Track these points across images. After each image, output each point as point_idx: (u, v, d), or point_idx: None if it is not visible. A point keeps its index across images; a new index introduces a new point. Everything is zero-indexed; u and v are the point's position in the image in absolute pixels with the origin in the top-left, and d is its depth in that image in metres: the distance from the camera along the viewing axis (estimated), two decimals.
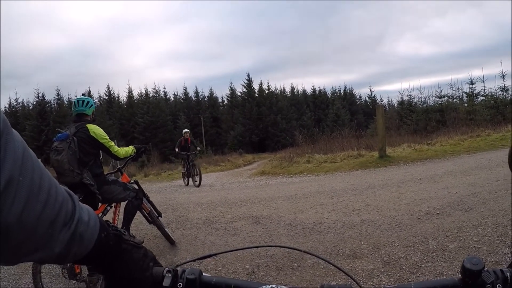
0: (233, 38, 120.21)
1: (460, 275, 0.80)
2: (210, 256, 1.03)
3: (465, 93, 25.26)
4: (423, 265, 3.72)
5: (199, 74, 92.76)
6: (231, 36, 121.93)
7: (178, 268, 0.91)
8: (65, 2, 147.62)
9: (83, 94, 31.42)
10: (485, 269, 0.78)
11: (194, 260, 1.03)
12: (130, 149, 4.87)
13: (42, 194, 0.65)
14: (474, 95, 24.19)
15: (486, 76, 23.73)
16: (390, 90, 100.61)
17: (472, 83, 24.16)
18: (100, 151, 4.63)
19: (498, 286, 0.76)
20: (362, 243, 4.54)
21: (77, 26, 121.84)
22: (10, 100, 44.88)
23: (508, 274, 0.77)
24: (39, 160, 0.69)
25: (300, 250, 1.12)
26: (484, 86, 23.81)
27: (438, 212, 5.33)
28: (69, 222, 0.72)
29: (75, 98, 4.67)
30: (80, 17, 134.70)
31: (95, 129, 4.40)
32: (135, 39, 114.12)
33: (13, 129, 0.62)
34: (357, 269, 3.85)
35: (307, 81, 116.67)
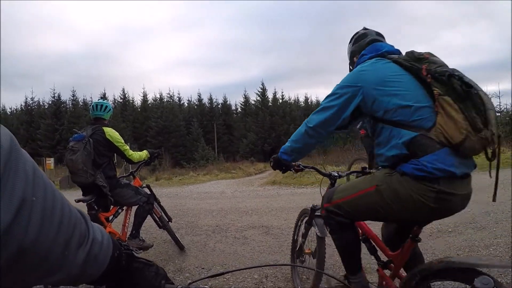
0: (244, 47, 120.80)
1: None
2: (222, 274, 1.03)
3: None
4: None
5: (213, 81, 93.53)
6: (242, 44, 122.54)
7: (191, 286, 0.90)
8: (75, 8, 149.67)
9: (101, 98, 31.63)
10: None
11: (206, 278, 1.01)
12: (144, 153, 4.91)
13: (56, 214, 0.63)
14: None
15: (502, 91, 23.43)
16: None
17: None
18: (114, 154, 4.68)
19: None
20: (372, 258, 4.50)
21: (87, 30, 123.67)
22: (26, 98, 45.43)
23: None
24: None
25: (312, 269, 1.12)
26: (499, 102, 23.64)
27: (450, 229, 5.28)
28: (83, 243, 0.70)
29: (94, 101, 4.73)
30: (90, 22, 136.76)
31: (111, 132, 4.46)
32: (145, 45, 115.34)
33: (22, 148, 0.60)
34: None
35: (317, 91, 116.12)
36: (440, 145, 1.94)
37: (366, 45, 2.46)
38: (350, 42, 2.65)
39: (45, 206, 0.60)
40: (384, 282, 2.45)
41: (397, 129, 2.07)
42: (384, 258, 2.54)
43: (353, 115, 2.29)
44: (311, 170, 3.23)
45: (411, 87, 2.08)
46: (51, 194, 0.62)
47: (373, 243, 2.65)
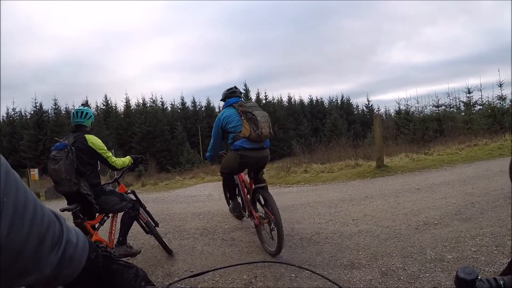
0: (225, 49, 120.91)
1: (454, 285, 0.82)
2: (203, 273, 1.02)
3: (462, 102, 25.23)
4: (421, 276, 3.71)
5: (195, 84, 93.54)
6: (222, 46, 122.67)
7: (171, 287, 0.90)
8: (53, 16, 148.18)
9: (82, 104, 31.31)
10: (479, 277, 0.80)
11: (186, 278, 1.01)
12: (127, 159, 4.89)
13: (28, 215, 0.63)
14: (471, 104, 24.16)
15: (484, 84, 23.68)
16: (386, 99, 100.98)
17: (469, 92, 24.13)
18: (98, 161, 4.63)
19: None
20: (360, 253, 4.53)
21: (66, 38, 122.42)
22: (8, 109, 45.01)
23: (501, 282, 0.81)
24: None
25: (294, 265, 1.11)
26: (481, 95, 23.80)
27: (436, 222, 5.32)
28: (57, 244, 0.70)
29: (74, 109, 4.68)
30: (68, 30, 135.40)
31: (93, 140, 4.42)
32: (126, 50, 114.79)
33: None
34: (355, 280, 3.84)
35: (300, 91, 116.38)
36: (242, 137, 4.82)
37: (225, 100, 5.31)
38: (226, 90, 5.39)
39: (16, 207, 0.61)
40: (245, 200, 5.46)
41: (231, 134, 4.98)
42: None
43: (224, 133, 5.16)
44: (223, 153, 6.10)
45: (236, 118, 4.93)
46: (23, 196, 0.63)
47: (244, 182, 5.62)
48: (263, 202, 5.02)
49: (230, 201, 5.51)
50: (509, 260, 0.92)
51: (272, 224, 4.69)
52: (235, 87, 5.41)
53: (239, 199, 5.58)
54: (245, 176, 5.63)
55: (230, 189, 5.48)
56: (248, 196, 5.31)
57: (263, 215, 4.91)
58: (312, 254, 4.73)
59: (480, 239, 4.44)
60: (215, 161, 6.03)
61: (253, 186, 5.13)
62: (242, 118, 4.84)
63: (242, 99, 5.36)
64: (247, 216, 5.49)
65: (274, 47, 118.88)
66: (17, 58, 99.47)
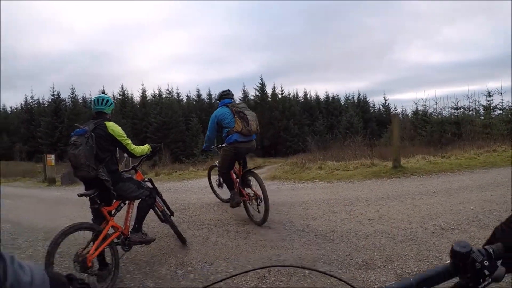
0: (240, 43, 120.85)
1: (450, 259, 0.96)
2: (222, 280, 1.12)
3: (482, 105, 24.72)
4: None
5: (211, 77, 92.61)
6: (238, 41, 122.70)
7: None
8: (67, 8, 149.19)
9: (102, 92, 31.45)
10: (472, 249, 0.94)
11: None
12: (146, 147, 4.91)
13: None
14: (491, 108, 23.67)
15: (505, 88, 22.92)
16: (403, 99, 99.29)
17: (489, 96, 23.63)
18: (117, 149, 4.65)
19: (485, 262, 0.92)
20: (375, 254, 4.49)
21: (81, 30, 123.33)
22: (26, 97, 45.66)
23: (490, 250, 0.96)
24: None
25: (308, 268, 1.12)
26: (502, 99, 23.19)
27: (453, 227, 5.26)
28: None
29: (95, 96, 4.70)
30: (82, 22, 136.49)
31: (113, 127, 4.44)
32: (142, 43, 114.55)
33: None
34: (369, 280, 3.81)
35: (316, 87, 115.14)
36: (235, 132, 6.05)
37: (220, 100, 6.65)
38: (221, 92, 6.69)
39: None
40: (236, 184, 6.43)
41: (225, 129, 6.19)
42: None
43: (219, 127, 6.34)
44: (215, 148, 7.06)
45: (230, 116, 6.17)
46: None
47: (236, 173, 6.62)
48: (251, 182, 6.36)
49: (230, 191, 6.48)
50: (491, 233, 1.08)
51: (259, 200, 6.09)
52: (228, 90, 6.78)
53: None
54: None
55: (229, 183, 6.49)
56: (238, 179, 6.54)
57: (252, 193, 6.28)
58: (327, 251, 4.70)
59: None
60: (211, 150, 7.22)
61: (242, 171, 6.54)
62: (235, 116, 6.12)
63: (234, 100, 6.72)
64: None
65: (290, 43, 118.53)
66: (37, 48, 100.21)
